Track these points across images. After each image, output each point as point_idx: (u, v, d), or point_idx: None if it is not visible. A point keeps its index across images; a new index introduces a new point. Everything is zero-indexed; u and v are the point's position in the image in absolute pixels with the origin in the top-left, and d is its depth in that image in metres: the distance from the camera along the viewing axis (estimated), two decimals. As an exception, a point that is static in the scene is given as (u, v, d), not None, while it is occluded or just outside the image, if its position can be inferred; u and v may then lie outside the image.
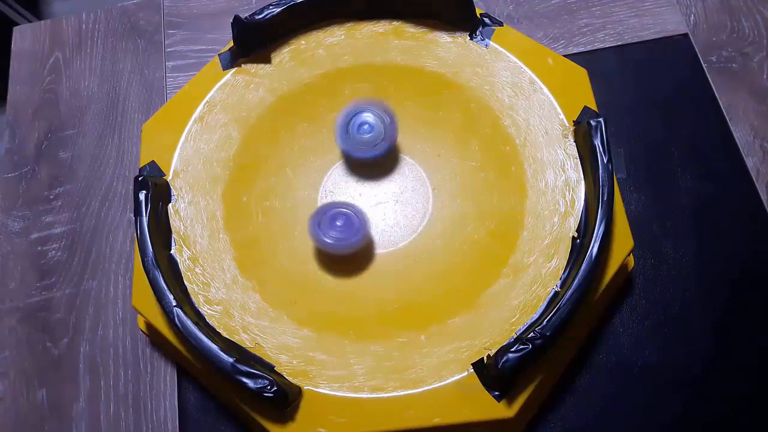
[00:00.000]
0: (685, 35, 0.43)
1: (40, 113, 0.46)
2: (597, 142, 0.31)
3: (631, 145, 0.40)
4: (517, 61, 0.37)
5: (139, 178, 0.32)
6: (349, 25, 0.39)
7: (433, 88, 0.37)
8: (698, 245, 0.37)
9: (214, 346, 0.28)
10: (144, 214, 0.32)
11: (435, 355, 0.30)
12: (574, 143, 0.34)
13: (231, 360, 0.28)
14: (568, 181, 0.33)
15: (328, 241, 0.32)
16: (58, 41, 0.48)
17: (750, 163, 0.39)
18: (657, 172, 0.39)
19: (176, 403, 0.36)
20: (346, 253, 0.33)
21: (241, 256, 0.33)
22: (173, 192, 0.35)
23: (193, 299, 0.32)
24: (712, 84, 0.42)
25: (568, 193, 0.33)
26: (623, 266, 0.35)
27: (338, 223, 0.32)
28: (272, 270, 0.33)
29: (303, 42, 0.39)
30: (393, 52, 0.38)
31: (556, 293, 0.30)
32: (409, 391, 0.29)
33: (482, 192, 0.34)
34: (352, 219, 0.32)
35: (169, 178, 0.35)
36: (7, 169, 0.44)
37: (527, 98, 0.36)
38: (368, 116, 0.34)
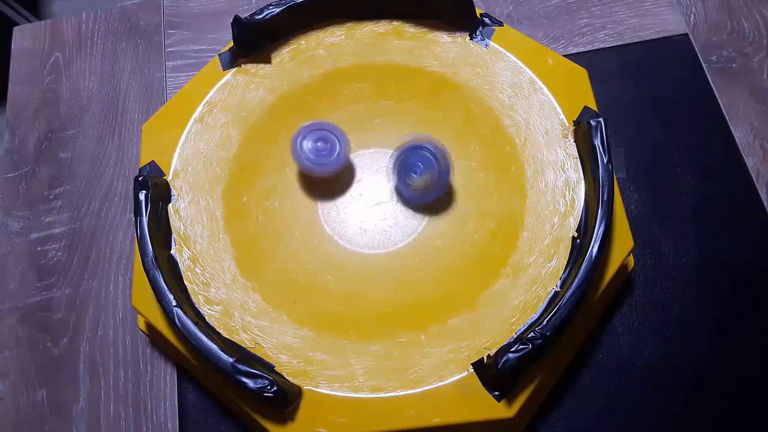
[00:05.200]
0: (685, 35, 0.43)
1: (40, 113, 0.46)
2: (597, 142, 0.31)
3: (631, 145, 0.40)
4: (517, 61, 0.37)
5: (139, 178, 0.32)
6: (349, 25, 0.39)
7: (433, 88, 0.37)
8: (698, 245, 0.37)
9: (214, 346, 0.28)
10: (144, 214, 0.32)
11: (435, 355, 0.30)
12: (574, 143, 0.34)
13: (231, 360, 0.28)
14: (568, 181, 0.33)
15: (308, 163, 0.33)
16: (58, 41, 0.48)
17: (750, 163, 0.39)
18: (657, 172, 0.39)
19: (176, 403, 0.36)
20: (327, 174, 0.34)
21: (241, 256, 0.33)
22: (173, 192, 0.35)
23: (193, 299, 0.32)
24: (712, 84, 0.42)
25: (568, 193, 0.33)
26: (623, 266, 0.35)
27: (319, 145, 0.34)
28: (272, 270, 0.33)
29: (303, 42, 0.39)
30: (393, 52, 0.38)
31: (556, 293, 0.30)
32: (409, 391, 0.29)
33: (482, 192, 0.34)
34: (333, 142, 0.34)
35: (169, 178, 0.35)
36: (7, 169, 0.44)
37: (527, 98, 0.36)
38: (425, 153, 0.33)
